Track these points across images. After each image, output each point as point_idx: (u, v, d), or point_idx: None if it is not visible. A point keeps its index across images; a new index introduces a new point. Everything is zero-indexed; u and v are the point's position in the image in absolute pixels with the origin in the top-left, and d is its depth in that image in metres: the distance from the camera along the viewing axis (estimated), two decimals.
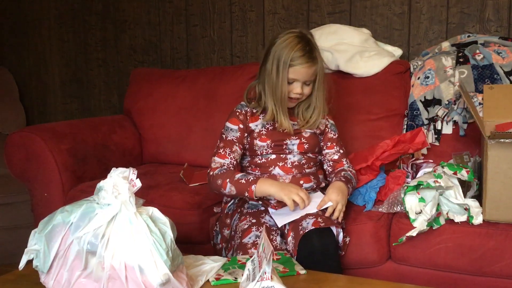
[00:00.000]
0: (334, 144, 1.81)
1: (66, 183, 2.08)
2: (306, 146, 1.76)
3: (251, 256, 1.18)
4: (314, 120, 1.75)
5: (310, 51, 1.66)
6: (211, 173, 1.69)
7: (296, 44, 1.64)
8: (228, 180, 1.64)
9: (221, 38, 2.79)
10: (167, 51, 2.92)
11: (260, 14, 2.68)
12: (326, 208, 1.62)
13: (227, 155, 1.72)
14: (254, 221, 1.63)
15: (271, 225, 1.63)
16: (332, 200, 1.61)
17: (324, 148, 1.82)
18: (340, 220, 1.62)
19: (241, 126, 1.74)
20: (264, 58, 1.72)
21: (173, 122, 2.45)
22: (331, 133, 1.82)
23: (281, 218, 1.63)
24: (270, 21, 2.66)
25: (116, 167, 1.22)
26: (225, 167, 1.70)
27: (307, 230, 1.53)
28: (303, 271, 1.34)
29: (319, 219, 1.55)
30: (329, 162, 1.81)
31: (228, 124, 1.76)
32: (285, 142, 1.75)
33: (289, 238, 1.58)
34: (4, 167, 2.20)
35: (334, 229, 1.58)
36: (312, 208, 1.61)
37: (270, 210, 1.68)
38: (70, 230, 1.16)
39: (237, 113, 1.76)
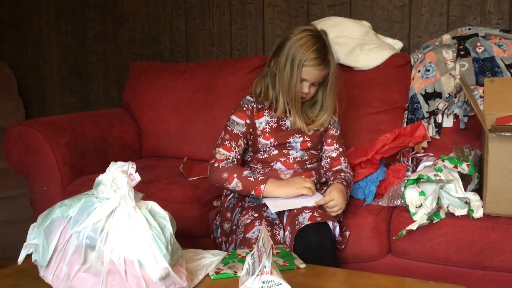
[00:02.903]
0: (334, 141, 1.80)
1: (65, 177, 2.07)
2: (309, 144, 1.75)
3: (251, 250, 1.17)
4: (322, 121, 1.74)
5: (325, 54, 1.65)
6: (216, 164, 1.66)
7: (312, 45, 1.62)
8: (235, 175, 1.63)
9: (220, 31, 2.77)
10: (166, 45, 2.91)
11: (259, 6, 2.67)
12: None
13: (232, 148, 1.70)
14: (256, 215, 1.62)
15: (273, 219, 1.63)
16: (334, 198, 1.60)
17: (324, 144, 1.81)
18: (333, 214, 1.61)
19: (247, 121, 1.73)
20: (276, 51, 1.69)
21: (173, 116, 2.45)
22: (333, 130, 1.81)
23: (274, 205, 1.61)
24: (270, 14, 2.65)
25: (115, 161, 1.21)
26: (230, 160, 1.68)
27: (303, 225, 1.52)
28: (303, 265, 1.34)
29: (315, 214, 1.55)
30: (327, 159, 1.80)
31: (234, 118, 1.74)
32: (288, 140, 1.74)
33: (286, 233, 1.57)
34: (3, 161, 2.20)
35: (330, 223, 1.58)
36: (309, 202, 1.61)
37: (264, 199, 1.65)
38: (69, 224, 1.16)
39: (244, 108, 1.74)
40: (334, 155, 1.79)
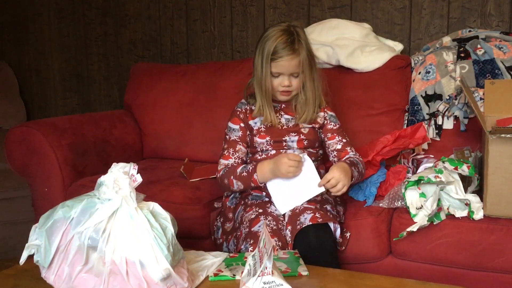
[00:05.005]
0: (335, 134, 1.78)
1: (67, 178, 2.08)
2: (305, 142, 1.75)
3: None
4: (309, 115, 1.73)
5: (291, 42, 1.64)
6: (218, 175, 1.73)
7: (278, 37, 1.64)
8: (232, 177, 1.68)
9: (221, 32, 2.78)
10: (167, 46, 2.92)
11: (260, 8, 2.67)
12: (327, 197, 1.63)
13: (230, 156, 1.74)
14: (260, 211, 1.63)
15: (278, 215, 1.63)
16: (334, 175, 1.58)
17: (326, 140, 1.79)
18: (339, 193, 1.60)
19: (242, 125, 1.75)
20: (254, 52, 1.72)
21: (174, 117, 2.45)
22: (331, 124, 1.79)
23: (283, 205, 1.63)
24: (271, 16, 2.65)
25: (117, 162, 1.22)
26: (229, 166, 1.72)
27: (304, 226, 1.52)
28: (305, 273, 1.31)
29: (317, 214, 1.55)
30: (333, 152, 1.77)
31: (230, 124, 1.77)
32: (284, 139, 1.74)
33: (286, 231, 1.58)
34: (5, 162, 2.20)
35: (331, 224, 1.58)
36: (315, 189, 1.61)
37: (273, 199, 1.67)
38: (71, 225, 1.16)
39: (238, 112, 1.77)
40: (339, 146, 1.76)
